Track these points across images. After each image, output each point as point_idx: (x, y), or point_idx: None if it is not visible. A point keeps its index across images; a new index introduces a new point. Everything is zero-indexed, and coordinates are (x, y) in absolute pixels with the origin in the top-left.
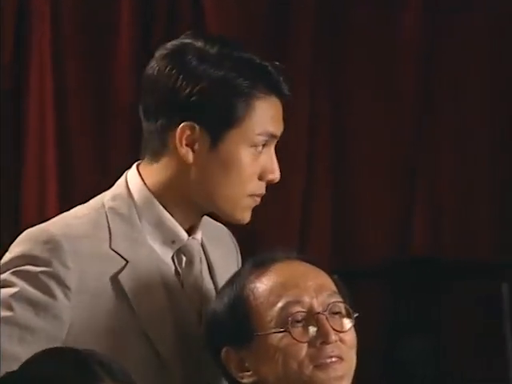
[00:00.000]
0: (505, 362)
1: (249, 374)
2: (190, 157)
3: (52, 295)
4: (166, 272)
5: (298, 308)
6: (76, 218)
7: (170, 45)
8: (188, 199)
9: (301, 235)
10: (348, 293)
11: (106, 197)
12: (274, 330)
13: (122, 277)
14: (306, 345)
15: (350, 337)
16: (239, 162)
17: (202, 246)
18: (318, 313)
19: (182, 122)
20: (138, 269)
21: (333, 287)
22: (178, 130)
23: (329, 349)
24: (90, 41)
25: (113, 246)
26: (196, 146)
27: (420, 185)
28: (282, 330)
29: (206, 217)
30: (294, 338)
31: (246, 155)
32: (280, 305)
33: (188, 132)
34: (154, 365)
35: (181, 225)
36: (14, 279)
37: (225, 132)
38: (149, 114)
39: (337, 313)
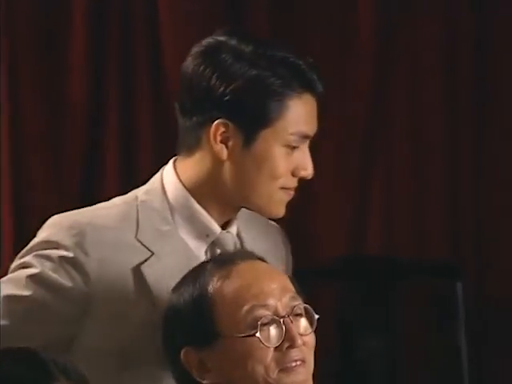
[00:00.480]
0: (460, 363)
1: (211, 375)
2: (224, 153)
3: (70, 281)
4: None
5: (264, 312)
6: (106, 208)
7: (204, 42)
8: (222, 194)
9: None
10: (302, 292)
11: (140, 191)
12: (241, 334)
13: (145, 268)
14: (272, 349)
15: (311, 338)
16: (272, 160)
17: (240, 239)
18: (284, 316)
19: (217, 119)
20: (163, 261)
21: (293, 288)
22: (213, 127)
23: (293, 353)
24: (43, 43)
25: (138, 237)
26: (230, 143)
27: (374, 184)
28: (249, 334)
29: (254, 213)
30: (262, 343)
31: (278, 154)
32: (246, 308)
33: (222, 129)
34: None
35: (215, 219)
36: (34, 262)
37: (258, 131)
38: (185, 111)
39: (299, 314)
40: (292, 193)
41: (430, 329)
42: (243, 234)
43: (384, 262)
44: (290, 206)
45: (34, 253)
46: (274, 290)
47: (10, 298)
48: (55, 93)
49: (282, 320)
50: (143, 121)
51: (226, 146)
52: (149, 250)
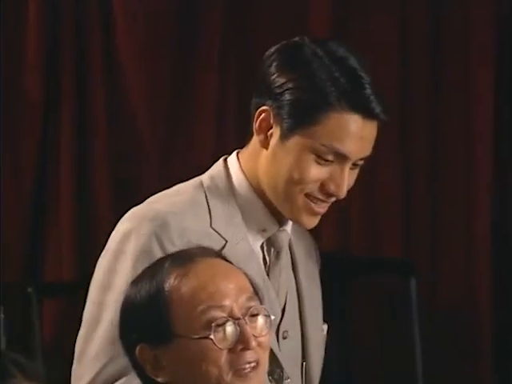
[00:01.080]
0: (413, 357)
1: (165, 372)
2: (261, 140)
3: None
4: (257, 259)
5: (219, 313)
6: (178, 194)
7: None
8: (265, 190)
9: None
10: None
11: (204, 176)
12: (195, 336)
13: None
14: (225, 350)
15: (266, 339)
16: (299, 162)
17: (290, 239)
18: (239, 318)
19: (263, 105)
20: (235, 250)
21: (250, 288)
22: (257, 112)
23: (248, 355)
24: None
25: (213, 225)
26: (269, 133)
27: None
28: (203, 336)
29: None
30: (216, 345)
31: (306, 158)
32: (201, 309)
33: (265, 116)
34: None
35: (274, 214)
36: (121, 254)
37: (295, 128)
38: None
39: (255, 315)
40: (320, 206)
41: (383, 327)
42: (292, 235)
43: (338, 260)
44: None
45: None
46: (231, 291)
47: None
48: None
49: (236, 321)
50: (98, 117)
51: (266, 135)
52: (223, 237)
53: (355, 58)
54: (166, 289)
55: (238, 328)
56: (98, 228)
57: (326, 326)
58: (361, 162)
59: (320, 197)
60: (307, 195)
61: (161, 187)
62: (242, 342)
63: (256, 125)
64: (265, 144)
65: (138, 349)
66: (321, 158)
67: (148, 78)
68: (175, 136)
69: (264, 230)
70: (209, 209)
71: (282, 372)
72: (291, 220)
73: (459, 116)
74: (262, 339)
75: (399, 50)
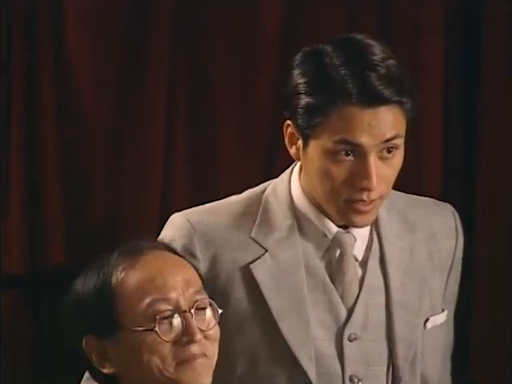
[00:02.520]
0: None
1: (110, 364)
2: (294, 153)
3: None
4: (314, 264)
5: (164, 306)
6: (226, 204)
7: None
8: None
9: (160, 222)
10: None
11: (273, 181)
12: (140, 328)
13: (255, 266)
14: (170, 343)
15: (214, 332)
16: (320, 166)
17: (379, 237)
18: (185, 311)
19: (287, 119)
20: (278, 257)
21: (198, 281)
22: (285, 124)
23: (193, 347)
24: None
25: (252, 235)
26: (297, 144)
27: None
28: (148, 328)
29: (414, 203)
30: (160, 337)
31: (325, 163)
32: (147, 301)
33: (289, 129)
34: (282, 359)
35: (334, 219)
36: None
37: (308, 138)
38: None
39: (202, 308)
40: (364, 206)
41: None
42: (384, 232)
43: None
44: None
45: None
46: (178, 283)
47: None
48: None
49: (182, 314)
50: (48, 106)
51: (296, 147)
52: (262, 247)
53: (366, 47)
54: (113, 281)
55: (183, 321)
56: (47, 219)
57: (440, 316)
58: (392, 145)
59: (357, 197)
60: (347, 201)
61: (111, 177)
62: (186, 334)
63: (286, 140)
64: (297, 157)
65: (84, 340)
66: (337, 156)
67: (97, 67)
68: (125, 125)
69: (324, 236)
70: (256, 217)
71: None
72: (345, 223)
73: None
74: (209, 332)
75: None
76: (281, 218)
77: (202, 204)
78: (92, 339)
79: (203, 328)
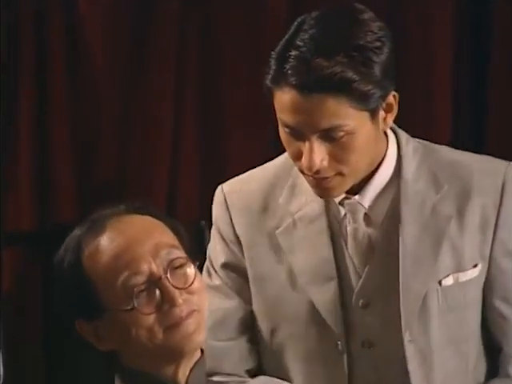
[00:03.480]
0: None
1: (104, 342)
2: None
3: (231, 252)
4: (335, 228)
5: (139, 279)
6: (261, 170)
7: None
8: None
9: (170, 182)
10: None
11: None
12: (121, 307)
13: (281, 232)
14: (153, 315)
15: (198, 284)
16: (282, 138)
17: (399, 195)
18: (160, 278)
19: None
20: (303, 224)
21: (171, 241)
22: None
23: (176, 311)
24: None
25: (281, 201)
26: None
27: None
28: (128, 307)
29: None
30: (141, 312)
31: (282, 133)
32: (121, 279)
33: None
34: (310, 318)
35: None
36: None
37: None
38: None
39: (179, 267)
40: (320, 181)
41: None
42: (404, 188)
43: None
44: (205, 154)
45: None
46: (147, 252)
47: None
48: None
49: (158, 282)
50: (58, 79)
51: None
52: (289, 212)
53: (331, 29)
54: (85, 268)
55: (161, 288)
56: (58, 178)
57: (471, 272)
58: (335, 135)
59: (307, 172)
60: (303, 173)
61: (121, 137)
62: (167, 301)
63: None
64: None
65: (76, 324)
66: (287, 130)
67: (108, 39)
68: (134, 98)
69: (336, 203)
70: (286, 184)
71: (341, 344)
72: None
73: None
74: (192, 287)
75: None
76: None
77: (211, 160)
78: (82, 322)
79: (185, 286)
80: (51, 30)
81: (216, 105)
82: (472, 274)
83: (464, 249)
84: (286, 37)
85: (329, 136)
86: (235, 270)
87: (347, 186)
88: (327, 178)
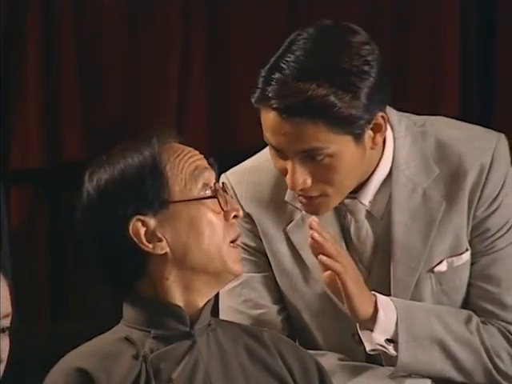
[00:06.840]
0: None
1: (162, 244)
2: None
3: (253, 240)
4: (341, 222)
5: (211, 176)
6: (267, 159)
7: None
8: None
9: (177, 119)
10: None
11: None
12: (193, 197)
13: (291, 229)
14: (222, 218)
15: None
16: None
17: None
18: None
19: None
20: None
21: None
22: None
23: (236, 227)
24: None
25: (287, 197)
26: None
27: None
28: (201, 196)
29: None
30: (211, 208)
31: (270, 152)
32: (196, 173)
33: None
34: (326, 309)
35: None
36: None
37: None
38: None
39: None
40: (305, 199)
41: None
42: (395, 173)
43: None
44: (211, 94)
45: None
46: (207, 169)
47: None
48: None
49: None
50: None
51: None
52: (296, 208)
53: (315, 52)
54: (159, 159)
55: (226, 199)
56: (65, 116)
57: (464, 256)
58: (316, 157)
59: (293, 190)
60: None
61: (128, 74)
62: (233, 209)
63: None
64: None
65: (132, 223)
66: (275, 152)
67: None
68: (142, 24)
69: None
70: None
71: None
72: None
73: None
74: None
75: None
76: None
77: (218, 100)
78: (138, 221)
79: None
80: None
81: (222, 42)
82: (465, 257)
83: (457, 233)
84: (276, 55)
85: (310, 156)
86: (253, 254)
87: (334, 204)
88: (312, 197)
